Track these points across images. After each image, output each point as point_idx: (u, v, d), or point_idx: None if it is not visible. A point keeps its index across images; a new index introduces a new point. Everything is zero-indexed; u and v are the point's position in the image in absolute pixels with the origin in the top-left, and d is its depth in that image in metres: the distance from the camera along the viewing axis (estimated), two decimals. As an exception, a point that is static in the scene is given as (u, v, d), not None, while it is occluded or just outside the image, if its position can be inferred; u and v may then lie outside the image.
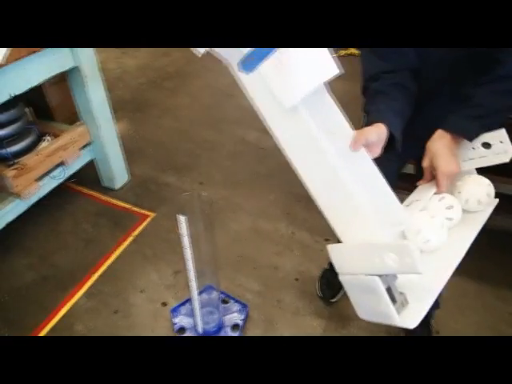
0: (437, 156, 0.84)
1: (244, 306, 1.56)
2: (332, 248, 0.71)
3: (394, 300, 0.65)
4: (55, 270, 1.74)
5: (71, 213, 2.02)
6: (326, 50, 0.64)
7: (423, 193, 0.85)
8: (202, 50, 0.67)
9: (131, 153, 2.29)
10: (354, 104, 1.25)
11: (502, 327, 1.52)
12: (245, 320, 1.51)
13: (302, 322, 1.55)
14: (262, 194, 2.12)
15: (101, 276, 1.71)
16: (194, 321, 1.47)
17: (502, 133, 0.81)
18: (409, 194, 0.89)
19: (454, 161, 0.84)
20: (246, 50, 0.66)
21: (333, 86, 0.71)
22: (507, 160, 0.81)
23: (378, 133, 0.77)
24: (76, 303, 1.61)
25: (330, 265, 1.62)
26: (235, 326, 1.50)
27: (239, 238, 1.89)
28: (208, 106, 2.98)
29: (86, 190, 2.16)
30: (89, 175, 2.16)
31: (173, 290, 1.66)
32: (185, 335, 1.46)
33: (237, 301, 1.58)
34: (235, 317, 1.52)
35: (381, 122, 0.79)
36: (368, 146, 0.76)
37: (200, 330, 1.44)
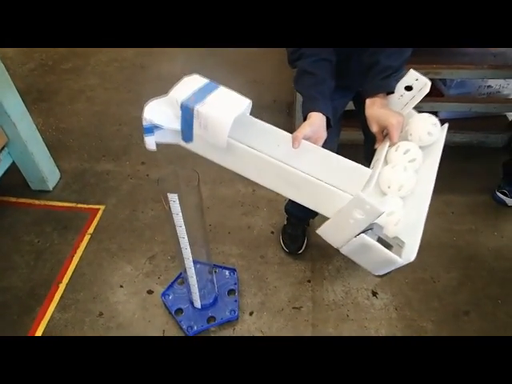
0: (380, 117, 0.92)
1: (232, 270, 1.56)
2: (321, 231, 0.77)
3: (389, 246, 0.72)
4: (11, 294, 1.53)
5: (6, 228, 1.76)
6: (233, 92, 0.83)
7: (380, 152, 0.91)
8: (153, 147, 0.87)
9: (52, 148, 2.02)
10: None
11: (452, 226, 1.76)
12: (237, 283, 1.52)
13: (289, 269, 1.61)
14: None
15: (68, 284, 1.55)
16: (189, 298, 1.44)
17: (412, 73, 0.91)
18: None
19: (394, 112, 0.92)
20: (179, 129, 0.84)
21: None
22: (428, 90, 0.91)
23: (312, 125, 0.89)
24: (51, 320, 1.45)
25: (288, 219, 1.67)
26: (231, 292, 1.50)
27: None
28: (122, 81, 2.74)
29: (14, 199, 1.88)
30: (12, 182, 1.88)
31: (153, 275, 1.59)
32: (181, 319, 1.42)
33: (224, 267, 1.57)
34: (227, 283, 1.52)
35: (315, 111, 0.92)
36: (310, 138, 0.88)
37: (198, 305, 1.41)
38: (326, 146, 1.29)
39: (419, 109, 0.96)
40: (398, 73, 0.95)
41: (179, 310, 1.44)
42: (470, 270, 1.59)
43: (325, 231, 0.76)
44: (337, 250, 0.78)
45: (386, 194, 0.82)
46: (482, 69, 1.80)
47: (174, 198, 1.01)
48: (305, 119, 0.94)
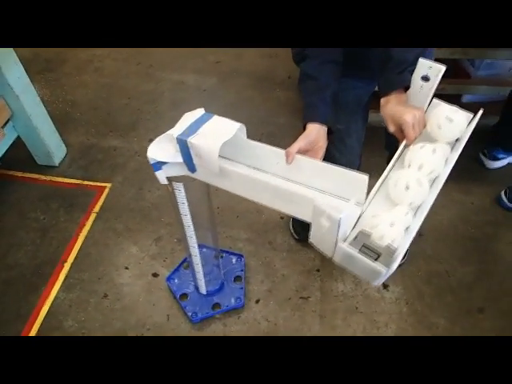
0: (395, 115, 0.84)
1: (240, 256, 1.52)
2: (312, 240, 0.76)
3: (376, 254, 0.66)
4: (17, 272, 1.52)
5: (12, 204, 1.74)
6: (225, 119, 0.86)
7: (396, 155, 0.84)
8: (165, 182, 0.96)
9: (58, 121, 1.96)
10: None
11: (471, 216, 1.68)
12: (244, 270, 1.48)
13: (298, 257, 1.56)
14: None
15: (74, 264, 1.54)
16: (195, 284, 1.41)
17: (423, 62, 0.84)
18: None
19: (411, 108, 0.84)
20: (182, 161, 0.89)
21: None
22: (441, 75, 0.83)
23: (307, 138, 0.88)
24: (56, 299, 1.44)
25: None
26: (237, 278, 1.46)
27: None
28: (131, 52, 2.63)
29: (20, 174, 1.85)
30: (18, 156, 1.84)
31: (159, 258, 1.56)
32: (186, 305, 1.40)
33: (231, 253, 1.53)
34: (234, 269, 1.49)
35: (313, 122, 0.90)
36: (309, 150, 0.87)
37: (204, 291, 1.38)
38: (351, 137, 1.22)
39: (442, 91, 0.89)
40: (411, 67, 0.88)
41: (184, 295, 1.42)
42: (487, 264, 1.53)
43: (313, 241, 0.76)
44: None
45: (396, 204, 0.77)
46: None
47: (179, 187, 0.95)
48: (304, 127, 0.92)
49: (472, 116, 0.83)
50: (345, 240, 0.68)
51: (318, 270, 1.52)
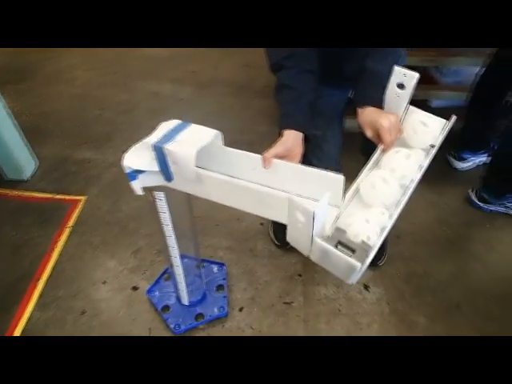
0: (371, 121, 0.87)
1: (221, 265, 1.50)
2: (289, 239, 0.76)
3: (352, 250, 0.68)
4: (-13, 290, 1.45)
5: (-20, 220, 1.67)
6: (202, 127, 0.87)
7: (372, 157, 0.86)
8: (140, 192, 0.92)
9: (29, 133, 1.91)
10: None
11: (445, 217, 1.73)
12: (226, 278, 1.47)
13: (279, 263, 1.56)
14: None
15: (48, 281, 1.48)
16: (176, 295, 1.38)
17: (398, 69, 0.85)
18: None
19: (387, 113, 0.86)
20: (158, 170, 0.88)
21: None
22: (416, 82, 0.85)
23: (283, 144, 0.89)
24: (30, 319, 1.38)
25: None
26: (219, 287, 1.44)
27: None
28: (104, 62, 2.60)
29: (-11, 190, 1.78)
30: (-14, 171, 1.78)
31: (138, 271, 1.52)
32: (168, 317, 1.37)
33: (212, 262, 1.51)
34: (216, 278, 1.47)
35: (289, 129, 0.91)
36: (285, 156, 0.87)
37: (186, 302, 1.36)
38: (329, 142, 1.24)
39: (413, 97, 0.91)
40: (386, 79, 0.89)
41: (166, 307, 1.39)
42: (463, 263, 1.57)
43: (290, 239, 0.76)
44: None
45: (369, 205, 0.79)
46: (478, 57, 1.74)
47: (160, 196, 0.93)
48: (280, 134, 0.92)
49: (445, 122, 0.85)
50: (321, 237, 0.69)
51: (300, 275, 1.52)
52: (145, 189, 0.95)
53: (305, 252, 0.74)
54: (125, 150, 2.19)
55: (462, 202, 1.77)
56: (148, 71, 2.56)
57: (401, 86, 0.85)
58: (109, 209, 1.73)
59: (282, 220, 0.76)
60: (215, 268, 1.50)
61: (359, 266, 0.64)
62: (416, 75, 0.83)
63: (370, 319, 1.40)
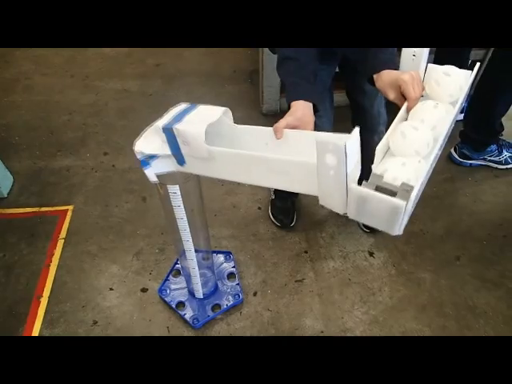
0: (391, 80, 0.84)
1: (228, 253, 1.50)
2: (321, 201, 0.73)
3: (392, 193, 0.63)
4: (-15, 318, 1.36)
5: (-39, 246, 1.55)
6: (210, 106, 0.86)
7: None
8: (155, 179, 0.89)
9: (-4, 149, 1.80)
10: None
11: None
12: (235, 266, 1.46)
13: (284, 243, 1.57)
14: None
15: (51, 297, 1.41)
16: (189, 290, 1.36)
17: None
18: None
19: (407, 71, 0.83)
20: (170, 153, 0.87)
21: None
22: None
23: (293, 114, 0.87)
24: (39, 338, 1.32)
25: (275, 193, 1.64)
26: (230, 276, 1.44)
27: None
28: (61, 65, 2.47)
29: (-35, 213, 1.66)
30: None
31: (144, 272, 1.48)
32: (185, 313, 1.35)
33: (218, 252, 1.50)
34: (225, 267, 1.46)
35: (297, 100, 0.89)
36: (297, 126, 0.85)
37: (200, 295, 1.34)
38: (321, 118, 1.25)
39: None
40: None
41: (180, 304, 1.37)
42: (454, 216, 1.66)
43: (323, 199, 0.72)
44: (327, 217, 0.74)
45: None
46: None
47: (174, 190, 0.91)
48: (289, 107, 0.90)
49: (469, 72, 0.81)
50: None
51: (306, 252, 1.54)
52: (158, 184, 0.92)
53: (340, 208, 0.70)
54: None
55: (445, 160, 1.85)
56: (107, 70, 2.45)
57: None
58: (100, 215, 1.66)
59: (303, 190, 0.73)
60: (222, 257, 1.49)
61: (403, 205, 0.59)
62: None
63: (379, 283, 1.46)
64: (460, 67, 0.81)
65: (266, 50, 1.82)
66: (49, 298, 1.41)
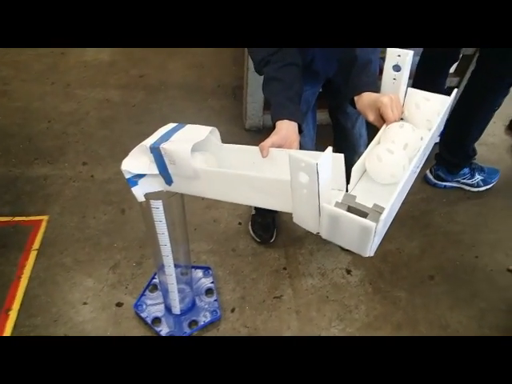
0: (371, 102, 0.86)
1: (207, 268, 1.49)
2: (295, 219, 0.73)
3: (363, 214, 0.64)
4: (-52, 332, 1.30)
5: None
6: (198, 126, 0.89)
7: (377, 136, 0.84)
8: (142, 199, 0.90)
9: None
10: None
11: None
12: (214, 282, 1.45)
13: (263, 259, 1.57)
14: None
15: (21, 310, 1.36)
16: (166, 305, 1.34)
17: (391, 51, 0.83)
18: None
19: (386, 93, 0.85)
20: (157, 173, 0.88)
21: None
22: (411, 59, 0.83)
23: (278, 133, 0.88)
24: (6, 354, 1.26)
25: (256, 209, 1.65)
26: (208, 291, 1.43)
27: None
28: (41, 71, 2.43)
29: None
30: None
31: (120, 286, 1.45)
32: (161, 329, 1.33)
33: (197, 267, 1.49)
34: (204, 283, 1.45)
35: (282, 119, 0.90)
36: (282, 145, 0.87)
37: (177, 311, 1.32)
38: (304, 137, 1.27)
39: None
40: (377, 66, 0.93)
41: (157, 320, 1.34)
42: (429, 236, 1.70)
43: (297, 217, 0.72)
44: (306, 234, 0.75)
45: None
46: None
47: (157, 205, 0.90)
48: (274, 126, 0.92)
49: (448, 98, 0.83)
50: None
51: (285, 268, 1.55)
52: (145, 196, 0.91)
53: (314, 228, 0.70)
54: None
55: (421, 181, 1.91)
56: (90, 79, 2.42)
57: (397, 67, 0.84)
58: (76, 226, 1.62)
59: (286, 208, 0.73)
60: (201, 272, 1.48)
61: (374, 226, 0.60)
62: (410, 52, 0.81)
63: (356, 301, 1.47)
64: (436, 92, 0.85)
65: (251, 66, 1.85)
66: (19, 311, 1.35)
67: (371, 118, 0.86)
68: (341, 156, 0.72)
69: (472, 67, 1.75)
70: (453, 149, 1.79)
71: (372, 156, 0.74)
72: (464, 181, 1.86)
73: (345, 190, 0.76)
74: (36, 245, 1.54)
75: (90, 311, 1.38)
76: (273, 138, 0.87)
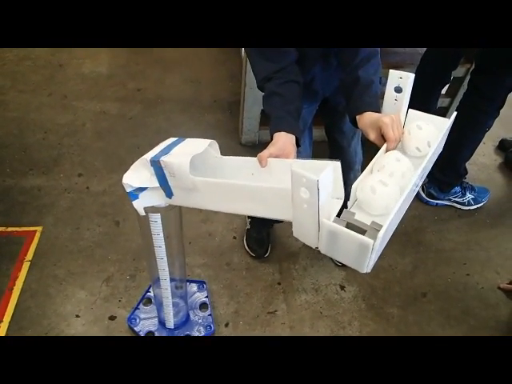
0: (372, 121, 0.88)
1: (201, 282, 1.48)
2: (295, 233, 0.74)
3: (362, 231, 0.65)
4: None
5: None
6: (197, 139, 0.90)
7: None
8: (143, 212, 0.91)
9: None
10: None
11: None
12: (208, 296, 1.45)
13: (258, 274, 1.58)
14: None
15: (12, 322, 1.34)
16: (160, 319, 1.33)
17: (393, 72, 0.86)
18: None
19: (388, 114, 0.87)
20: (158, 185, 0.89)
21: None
22: (412, 82, 0.86)
23: (275, 145, 0.90)
24: (-5, 368, 1.23)
25: (251, 223, 1.66)
26: (203, 306, 1.42)
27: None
28: (39, 82, 2.44)
29: None
30: None
31: (113, 299, 1.44)
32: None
33: (191, 281, 1.49)
34: (198, 297, 1.44)
35: (279, 131, 0.92)
36: (279, 156, 0.88)
37: (171, 325, 1.32)
38: (301, 154, 1.30)
39: None
40: (378, 87, 0.96)
41: (150, 334, 1.33)
42: (421, 253, 1.73)
43: (297, 231, 0.73)
44: (300, 249, 0.75)
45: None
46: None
47: (155, 218, 0.91)
48: (272, 139, 0.94)
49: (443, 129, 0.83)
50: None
51: (279, 283, 1.56)
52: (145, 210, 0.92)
53: (313, 242, 0.71)
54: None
55: (413, 199, 1.94)
56: (87, 91, 2.44)
57: (398, 89, 0.86)
58: (69, 237, 1.61)
59: (287, 216, 0.73)
60: (195, 287, 1.48)
61: (371, 243, 0.61)
62: (411, 75, 0.83)
63: (350, 317, 1.48)
64: (427, 111, 0.87)
65: (248, 82, 1.89)
66: (9, 323, 1.34)
67: (372, 136, 0.88)
68: (338, 164, 0.74)
69: (463, 89, 1.81)
70: (445, 168, 1.84)
71: (366, 187, 0.74)
72: (455, 199, 1.89)
73: (343, 198, 0.77)
74: (29, 256, 1.53)
75: (82, 324, 1.36)
76: (270, 149, 0.88)
